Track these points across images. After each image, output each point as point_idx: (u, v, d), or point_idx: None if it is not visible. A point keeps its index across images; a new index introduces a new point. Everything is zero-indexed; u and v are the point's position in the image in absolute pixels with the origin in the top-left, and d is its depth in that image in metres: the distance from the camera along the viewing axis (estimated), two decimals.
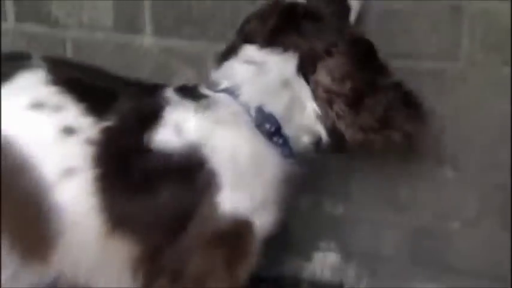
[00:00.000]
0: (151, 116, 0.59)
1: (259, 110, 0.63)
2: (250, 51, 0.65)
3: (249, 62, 0.64)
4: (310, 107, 0.65)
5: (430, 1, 0.75)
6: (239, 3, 0.81)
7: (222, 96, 0.63)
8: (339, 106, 0.63)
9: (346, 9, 0.69)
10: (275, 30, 0.64)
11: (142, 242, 0.60)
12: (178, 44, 0.84)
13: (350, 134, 0.64)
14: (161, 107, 0.60)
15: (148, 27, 0.85)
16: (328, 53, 0.63)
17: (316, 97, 0.64)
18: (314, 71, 0.64)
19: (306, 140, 0.67)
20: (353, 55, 0.63)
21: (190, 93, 0.64)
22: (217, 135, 0.60)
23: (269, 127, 0.63)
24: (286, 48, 0.63)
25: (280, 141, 0.64)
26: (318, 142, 0.66)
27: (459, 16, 0.75)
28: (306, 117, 0.65)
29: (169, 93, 0.63)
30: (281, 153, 0.64)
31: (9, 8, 0.88)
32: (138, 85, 0.65)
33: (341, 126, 0.64)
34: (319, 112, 0.64)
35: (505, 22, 0.72)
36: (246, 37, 0.66)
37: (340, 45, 0.63)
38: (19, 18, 0.88)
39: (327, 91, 0.64)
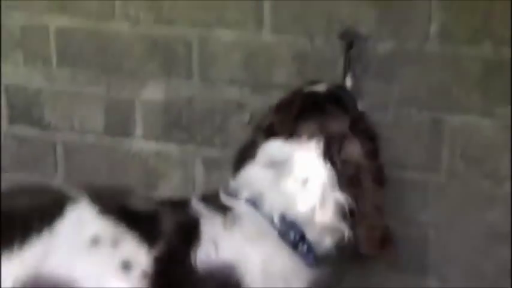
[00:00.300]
0: (192, 233, 0.60)
1: (283, 219, 0.63)
2: (273, 147, 0.66)
3: (269, 164, 0.65)
4: (332, 201, 0.64)
5: (412, 113, 0.79)
6: (228, 110, 0.85)
7: (244, 207, 0.63)
8: (368, 182, 0.65)
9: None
10: (300, 117, 0.66)
11: None
12: (167, 148, 0.87)
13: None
14: (197, 222, 0.61)
15: (138, 131, 0.87)
16: (354, 131, 0.65)
17: (344, 177, 0.65)
18: (340, 151, 0.65)
19: (328, 242, 0.66)
20: (371, 134, 0.67)
21: (215, 204, 0.64)
22: (249, 254, 0.61)
23: (293, 236, 0.63)
24: (311, 136, 0.65)
25: (305, 248, 0.64)
26: (339, 245, 0.66)
27: (440, 128, 0.78)
28: (329, 215, 0.64)
29: (198, 205, 0.64)
30: (306, 262, 0.64)
31: (3, 111, 0.90)
32: (169, 202, 0.66)
33: (368, 207, 0.65)
34: (345, 199, 0.64)
35: (485, 135, 0.76)
36: (268, 129, 0.67)
37: (362, 124, 0.67)
38: (12, 121, 0.91)
39: (357, 166, 0.65)
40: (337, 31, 0.79)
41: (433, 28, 0.77)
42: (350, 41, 0.81)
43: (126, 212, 0.61)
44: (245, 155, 0.69)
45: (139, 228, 0.59)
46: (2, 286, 0.55)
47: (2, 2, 0.89)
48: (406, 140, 0.78)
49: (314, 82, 0.71)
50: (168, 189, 0.88)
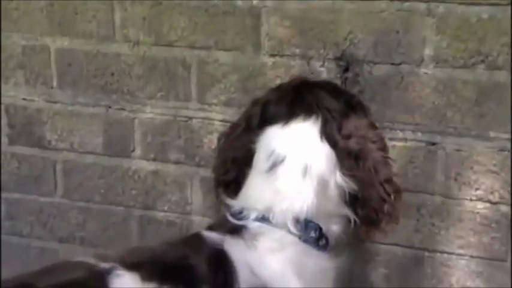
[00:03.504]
0: (226, 266, 0.59)
1: (297, 222, 0.61)
2: (273, 136, 0.63)
3: (269, 167, 0.63)
4: (334, 187, 0.62)
5: (407, 135, 0.80)
6: None
7: (258, 225, 0.61)
8: (375, 152, 0.62)
9: None
10: (291, 94, 0.65)
11: None
12: (165, 167, 0.88)
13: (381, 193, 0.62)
14: (224, 253, 0.59)
15: (137, 151, 0.88)
16: (352, 108, 0.64)
17: (347, 157, 0.62)
18: (341, 128, 0.63)
19: (336, 229, 0.64)
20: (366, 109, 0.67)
21: (227, 230, 0.62)
22: (281, 268, 0.60)
23: (314, 234, 0.62)
24: (308, 115, 0.62)
25: (324, 241, 0.62)
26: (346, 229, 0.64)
27: (435, 151, 0.79)
28: (332, 201, 0.63)
29: (213, 236, 0.62)
30: (326, 254, 0.62)
31: (4, 130, 0.92)
32: (185, 243, 0.64)
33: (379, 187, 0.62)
34: (346, 183, 0.61)
35: (479, 158, 0.77)
36: (265, 119, 0.65)
37: (356, 101, 0.67)
38: (12, 140, 0.92)
39: (362, 137, 0.63)
40: (334, 54, 0.81)
41: (428, 52, 0.78)
42: (346, 64, 0.83)
43: (163, 270, 0.59)
44: (234, 153, 0.67)
45: (182, 282, 0.58)
46: None
47: (3, 23, 0.91)
48: (401, 163, 0.79)
49: None
50: (166, 208, 0.89)
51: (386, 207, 0.62)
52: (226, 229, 0.62)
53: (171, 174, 0.86)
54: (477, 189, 0.76)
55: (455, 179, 0.76)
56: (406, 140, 0.79)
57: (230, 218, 0.62)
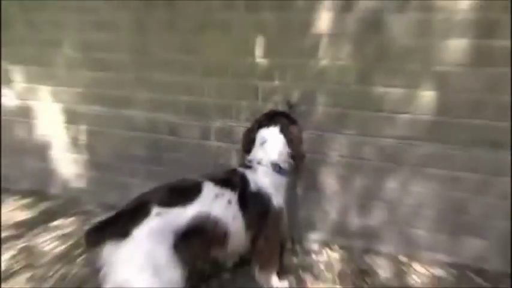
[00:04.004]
0: (245, 180, 1.63)
1: (272, 164, 1.70)
2: (262, 132, 1.78)
3: (261, 144, 1.75)
4: (287, 150, 1.72)
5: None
6: None
7: (256, 165, 1.70)
8: (299, 146, 1.75)
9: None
10: (269, 117, 1.78)
11: (254, 230, 1.64)
12: (216, 143, 2.20)
13: (299, 158, 1.81)
14: (244, 175, 1.65)
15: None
16: (293, 123, 1.76)
17: (290, 142, 1.71)
18: (288, 130, 1.71)
19: (286, 166, 1.72)
20: (299, 125, 1.82)
21: (246, 167, 1.70)
22: (266, 182, 1.66)
23: (278, 169, 1.70)
24: (274, 124, 1.74)
25: (282, 171, 1.71)
26: (290, 166, 1.74)
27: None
28: (285, 157, 1.73)
29: (240, 168, 1.69)
30: (284, 176, 1.73)
31: None
32: (230, 170, 1.71)
33: (299, 152, 1.76)
34: (290, 151, 1.72)
35: None
36: (259, 123, 1.79)
37: (295, 121, 1.78)
38: None
39: (296, 137, 1.72)
40: (285, 101, 2.10)
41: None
42: (290, 105, 2.14)
43: (222, 181, 1.58)
44: (249, 138, 1.80)
45: (229, 185, 1.57)
46: (183, 223, 1.41)
47: None
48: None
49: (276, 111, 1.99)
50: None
51: (302, 159, 1.88)
52: (245, 166, 1.71)
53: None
54: None
55: None
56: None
57: (247, 163, 1.73)
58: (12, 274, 1.98)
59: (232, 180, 1.65)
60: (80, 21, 2.42)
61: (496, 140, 1.83)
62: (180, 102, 2.34)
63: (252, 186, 1.65)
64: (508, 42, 1.70)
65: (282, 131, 1.78)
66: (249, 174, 1.69)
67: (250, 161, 1.76)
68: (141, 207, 1.41)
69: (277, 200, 1.71)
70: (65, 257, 2.13)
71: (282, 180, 1.76)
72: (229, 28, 2.09)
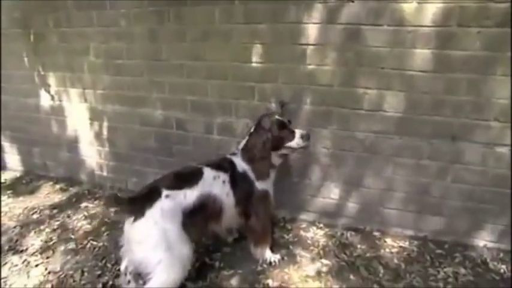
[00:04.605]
0: (233, 165, 1.97)
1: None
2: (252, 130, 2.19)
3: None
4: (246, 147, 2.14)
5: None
6: None
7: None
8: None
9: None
10: (260, 121, 2.17)
11: (242, 206, 1.97)
12: (217, 136, 2.56)
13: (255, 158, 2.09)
14: (232, 161, 1.99)
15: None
16: (282, 124, 2.13)
17: (248, 142, 2.05)
18: (275, 130, 2.03)
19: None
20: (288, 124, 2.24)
21: (234, 154, 2.06)
22: (248, 166, 1.99)
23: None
24: (257, 121, 2.14)
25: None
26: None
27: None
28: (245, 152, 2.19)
29: (229, 156, 2.02)
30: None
31: None
32: (222, 158, 2.07)
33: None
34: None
35: None
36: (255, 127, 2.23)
37: (273, 123, 2.14)
38: None
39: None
40: (278, 100, 2.43)
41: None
42: (282, 104, 2.46)
43: (217, 165, 1.92)
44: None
45: (222, 169, 1.92)
46: (189, 202, 1.73)
47: None
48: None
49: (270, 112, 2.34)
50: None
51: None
52: (233, 154, 2.06)
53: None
54: None
55: None
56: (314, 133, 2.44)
57: (235, 150, 2.12)
58: (49, 247, 2.40)
59: (224, 164, 1.97)
60: (102, 33, 2.79)
61: (453, 134, 2.13)
62: (187, 101, 2.69)
63: (239, 168, 1.98)
64: (462, 53, 1.99)
65: (255, 129, 2.06)
66: (235, 159, 2.01)
67: (237, 149, 2.08)
68: (152, 192, 1.68)
69: (261, 184, 2.00)
70: (91, 233, 2.54)
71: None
72: (230, 37, 2.42)
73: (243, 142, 2.08)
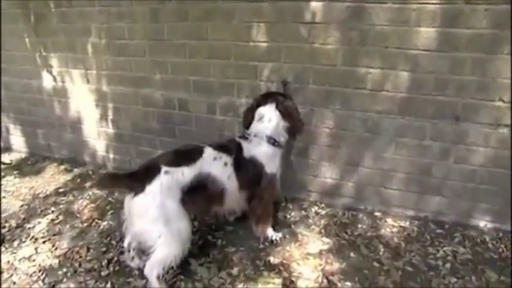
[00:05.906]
0: (240, 148, 1.98)
1: (267, 137, 2.02)
2: (260, 110, 2.16)
3: (259, 119, 2.16)
4: (282, 124, 2.09)
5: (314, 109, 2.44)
6: None
7: (252, 137, 2.06)
8: (297, 116, 2.15)
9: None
10: (265, 97, 2.19)
11: (249, 190, 2.01)
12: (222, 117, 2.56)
13: (298, 126, 2.18)
14: (240, 144, 2.00)
15: None
16: (287, 98, 2.20)
17: (287, 116, 2.07)
18: (283, 106, 2.05)
19: (281, 139, 2.12)
20: (293, 101, 2.24)
21: (243, 138, 2.06)
22: (259, 151, 1.99)
23: (273, 142, 2.03)
24: (270, 101, 2.11)
25: (277, 144, 2.05)
26: (285, 139, 2.18)
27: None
28: (281, 130, 2.11)
29: (237, 139, 2.04)
30: (278, 148, 2.11)
31: None
32: (230, 140, 2.13)
33: (298, 122, 2.15)
34: (285, 124, 2.10)
35: None
36: (258, 102, 2.20)
37: (289, 98, 2.23)
38: None
39: (292, 109, 2.07)
40: (281, 80, 2.42)
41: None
42: (285, 83, 2.45)
43: (220, 147, 1.93)
44: (248, 115, 2.22)
45: (225, 151, 1.92)
46: (187, 180, 1.73)
47: None
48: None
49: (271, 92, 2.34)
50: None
51: (301, 127, 2.21)
52: (242, 137, 2.09)
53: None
54: None
55: None
56: (314, 112, 2.43)
57: (245, 134, 2.12)
58: (55, 225, 2.46)
59: (229, 146, 1.96)
60: (103, 13, 2.76)
61: (457, 114, 2.12)
62: (190, 81, 2.68)
63: (245, 153, 1.97)
64: (468, 31, 1.95)
65: (277, 107, 2.08)
66: (244, 143, 2.01)
67: (248, 134, 2.08)
68: (151, 168, 1.72)
69: (270, 168, 2.02)
70: (96, 212, 2.59)
71: (276, 151, 2.07)
72: (232, 16, 2.39)
73: (270, 123, 2.09)
